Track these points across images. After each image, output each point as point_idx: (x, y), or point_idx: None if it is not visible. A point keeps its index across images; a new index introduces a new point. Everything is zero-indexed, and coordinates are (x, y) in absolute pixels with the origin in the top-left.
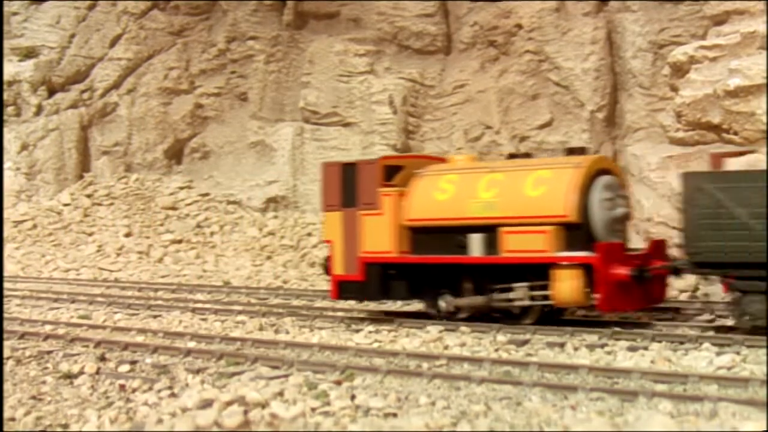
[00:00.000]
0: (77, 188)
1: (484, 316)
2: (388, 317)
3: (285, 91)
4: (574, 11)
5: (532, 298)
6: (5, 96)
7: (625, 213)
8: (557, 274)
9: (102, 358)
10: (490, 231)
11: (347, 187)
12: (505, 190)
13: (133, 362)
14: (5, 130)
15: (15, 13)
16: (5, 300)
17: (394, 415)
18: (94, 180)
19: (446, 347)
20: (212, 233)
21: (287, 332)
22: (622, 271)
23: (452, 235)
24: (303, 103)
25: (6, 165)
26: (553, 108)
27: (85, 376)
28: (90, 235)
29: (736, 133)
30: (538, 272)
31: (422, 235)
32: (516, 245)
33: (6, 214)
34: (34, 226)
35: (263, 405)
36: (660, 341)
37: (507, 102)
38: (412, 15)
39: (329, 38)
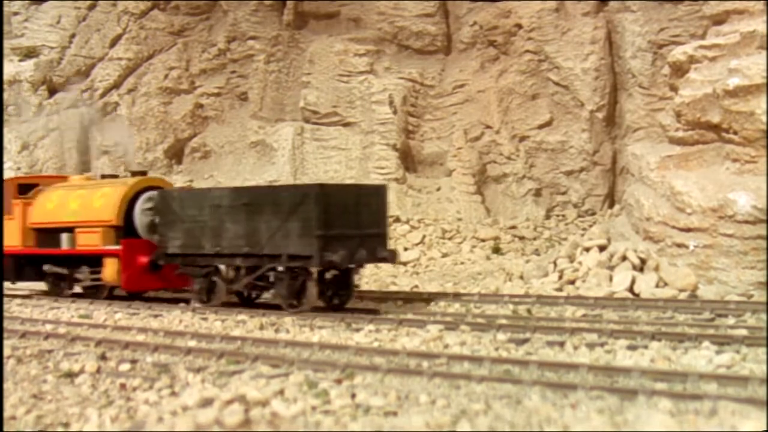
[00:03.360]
0: None
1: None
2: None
3: (285, 91)
4: (574, 11)
5: (93, 280)
6: (5, 96)
7: (152, 220)
8: (105, 262)
9: (103, 357)
10: (73, 231)
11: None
12: (84, 202)
13: (134, 361)
14: (5, 129)
15: (15, 13)
16: (6, 299)
17: (395, 413)
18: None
19: (446, 346)
20: None
21: (287, 331)
22: (142, 259)
23: (55, 234)
24: (303, 103)
25: (6, 165)
26: (552, 108)
27: (85, 375)
28: None
29: (735, 133)
30: (100, 260)
31: (41, 234)
32: (84, 241)
33: None
34: None
35: (264, 403)
36: (660, 340)
37: (507, 102)
38: (412, 15)
39: (329, 38)
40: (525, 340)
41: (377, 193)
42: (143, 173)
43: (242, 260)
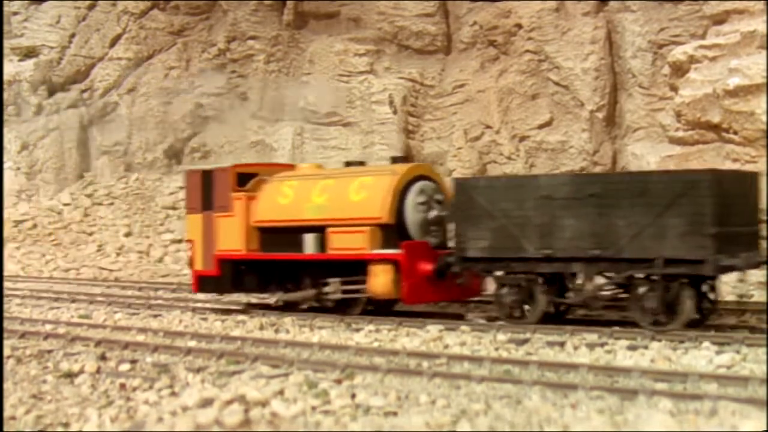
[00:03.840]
0: (77, 188)
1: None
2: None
3: (285, 91)
4: (574, 11)
5: (344, 292)
6: (5, 96)
7: (436, 216)
8: (373, 270)
9: (102, 357)
10: (320, 231)
11: (205, 192)
12: (334, 195)
13: (134, 361)
14: (5, 129)
15: (15, 13)
16: (6, 299)
17: (395, 413)
18: (94, 180)
19: (446, 346)
20: None
21: (287, 331)
22: (426, 267)
23: (292, 234)
24: (303, 102)
25: (6, 165)
26: (553, 108)
27: (85, 375)
28: (90, 234)
29: (735, 133)
30: (360, 268)
31: (269, 235)
32: (340, 244)
33: (6, 213)
34: (35, 226)
35: (264, 404)
36: (660, 340)
37: (507, 102)
38: (412, 15)
39: (329, 38)
40: (525, 340)
41: (753, 181)
42: (406, 159)
43: (584, 266)
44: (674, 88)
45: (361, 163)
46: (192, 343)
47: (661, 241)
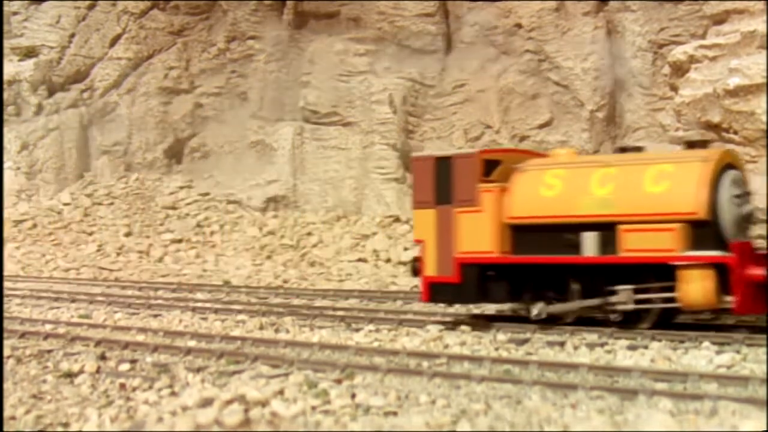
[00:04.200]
0: (77, 188)
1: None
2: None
3: (285, 91)
4: (574, 11)
5: (638, 302)
6: (5, 96)
7: (751, 211)
8: (686, 275)
9: (102, 357)
10: (606, 229)
11: (441, 182)
12: (622, 185)
13: (134, 361)
14: (5, 129)
15: (15, 13)
16: (5, 299)
17: (395, 413)
18: (94, 179)
19: (446, 346)
20: (212, 233)
21: (287, 331)
22: (758, 272)
23: (561, 233)
24: (303, 102)
25: (6, 164)
26: (552, 107)
27: (85, 375)
28: (90, 234)
29: (735, 133)
30: (660, 273)
31: (526, 234)
32: (638, 244)
33: (6, 213)
34: (35, 226)
35: (263, 403)
36: (660, 340)
37: (507, 101)
38: (412, 15)
39: (329, 38)
40: (525, 340)
41: None
42: (705, 143)
43: None
44: (674, 88)
45: (638, 149)
46: (192, 343)
47: None
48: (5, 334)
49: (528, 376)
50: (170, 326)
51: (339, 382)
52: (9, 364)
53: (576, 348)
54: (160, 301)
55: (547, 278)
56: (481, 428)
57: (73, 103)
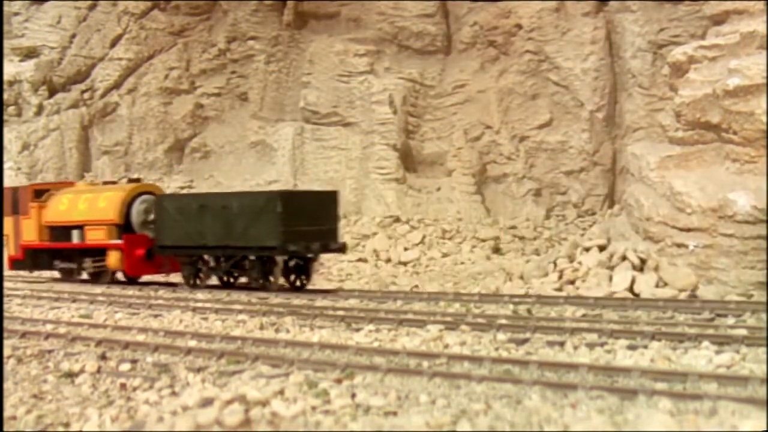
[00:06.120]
0: None
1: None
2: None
3: (285, 91)
4: (574, 11)
5: (95, 267)
6: (6, 96)
7: (150, 218)
8: (109, 252)
9: (103, 357)
10: (82, 228)
11: (15, 201)
12: (90, 203)
13: (134, 361)
14: (6, 130)
15: (16, 13)
16: (6, 299)
17: (395, 413)
18: (94, 180)
19: (446, 346)
20: None
21: (288, 331)
22: (140, 251)
23: (67, 230)
24: (303, 103)
25: (7, 165)
26: (552, 108)
27: (86, 375)
28: None
29: (735, 133)
30: (101, 251)
31: (53, 231)
32: (93, 236)
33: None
34: None
35: (264, 403)
36: (660, 340)
37: (507, 102)
38: (412, 15)
39: (329, 38)
40: (525, 340)
41: (331, 196)
42: (138, 180)
43: (219, 251)
44: (674, 89)
45: (113, 182)
46: (192, 343)
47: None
48: (6, 334)
49: (528, 376)
50: (171, 326)
51: (339, 381)
52: (10, 364)
53: (576, 348)
54: (160, 301)
55: (65, 255)
56: (481, 428)
57: (74, 103)
